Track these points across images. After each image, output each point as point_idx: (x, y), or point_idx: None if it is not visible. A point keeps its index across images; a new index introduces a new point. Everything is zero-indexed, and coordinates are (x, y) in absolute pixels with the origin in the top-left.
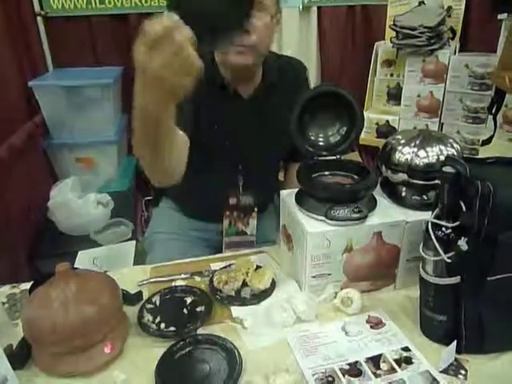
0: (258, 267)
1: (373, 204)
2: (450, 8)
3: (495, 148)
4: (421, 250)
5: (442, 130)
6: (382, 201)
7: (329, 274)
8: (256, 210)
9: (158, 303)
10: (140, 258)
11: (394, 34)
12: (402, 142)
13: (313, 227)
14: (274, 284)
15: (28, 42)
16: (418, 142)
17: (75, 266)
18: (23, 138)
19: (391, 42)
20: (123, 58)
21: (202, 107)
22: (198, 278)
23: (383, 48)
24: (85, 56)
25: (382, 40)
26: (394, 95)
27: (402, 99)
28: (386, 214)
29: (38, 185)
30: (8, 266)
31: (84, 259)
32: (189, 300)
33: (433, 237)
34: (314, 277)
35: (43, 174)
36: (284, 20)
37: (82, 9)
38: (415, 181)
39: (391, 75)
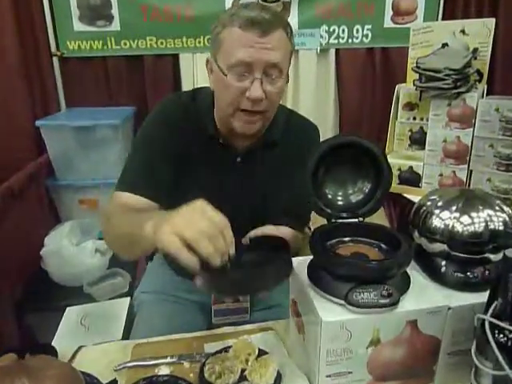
0: (260, 352)
1: (405, 284)
2: (476, 50)
3: None
4: (473, 356)
5: (470, 178)
6: (416, 277)
7: (349, 373)
8: None
9: None
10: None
11: (415, 76)
12: (440, 204)
13: (329, 314)
14: (279, 380)
15: (42, 82)
16: (460, 206)
17: (61, 324)
18: (23, 179)
19: (414, 84)
20: (136, 99)
21: (186, 160)
22: (186, 364)
23: (405, 91)
24: (98, 96)
25: (403, 83)
26: (417, 140)
27: (427, 144)
28: (423, 296)
29: (37, 228)
30: None
31: (71, 317)
32: None
33: (492, 342)
34: (329, 376)
35: (43, 217)
36: (301, 63)
37: (97, 50)
38: (458, 253)
39: (414, 119)
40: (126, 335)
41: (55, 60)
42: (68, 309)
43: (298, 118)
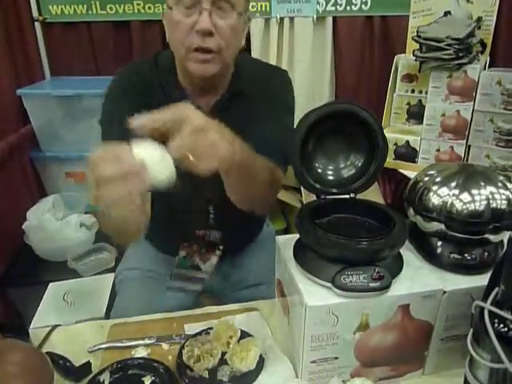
0: (243, 335)
1: (398, 265)
2: (479, 19)
3: None
4: (469, 346)
5: (468, 154)
6: (410, 257)
7: (335, 358)
8: (222, 248)
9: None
10: None
11: (416, 46)
12: (438, 179)
13: (315, 298)
14: (261, 364)
15: (25, 49)
16: (460, 182)
17: (43, 300)
18: (3, 151)
19: (414, 54)
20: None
21: None
22: (165, 346)
23: (404, 61)
24: (84, 64)
25: (403, 53)
26: (416, 113)
27: (425, 118)
28: (416, 279)
29: (21, 202)
30: None
31: (54, 293)
32: (147, 382)
33: (491, 333)
34: (314, 362)
35: (28, 190)
36: (296, 31)
37: (82, 14)
38: (455, 233)
39: (412, 91)
40: (109, 312)
41: (37, 25)
42: (51, 284)
43: (265, 66)
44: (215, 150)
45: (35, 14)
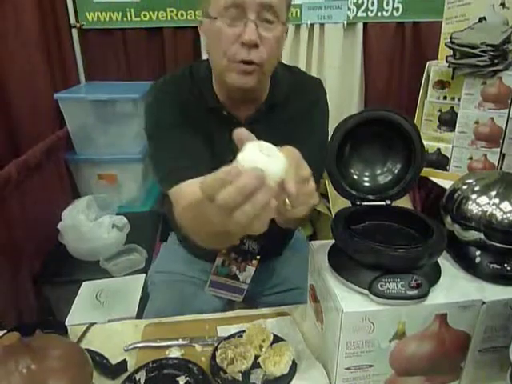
0: (275, 339)
1: (436, 274)
2: None
3: None
4: (511, 358)
5: (503, 162)
6: (447, 266)
7: (370, 366)
8: (258, 258)
9: (142, 382)
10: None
11: (448, 53)
12: (477, 188)
13: (351, 304)
14: (294, 368)
15: (62, 54)
16: (500, 191)
17: (77, 298)
18: (40, 152)
19: (447, 61)
20: (156, 72)
21: (194, 136)
22: (198, 347)
23: (436, 68)
24: (117, 69)
25: (434, 59)
26: (447, 121)
27: (457, 125)
28: (454, 288)
29: (56, 203)
30: (12, 289)
31: (87, 292)
32: (181, 382)
33: None
34: (348, 369)
35: (62, 191)
36: (327, 37)
37: (117, 21)
38: (495, 243)
39: (444, 98)
40: (141, 312)
41: (74, 32)
42: (84, 283)
43: (301, 75)
44: (311, 200)
45: (72, 20)
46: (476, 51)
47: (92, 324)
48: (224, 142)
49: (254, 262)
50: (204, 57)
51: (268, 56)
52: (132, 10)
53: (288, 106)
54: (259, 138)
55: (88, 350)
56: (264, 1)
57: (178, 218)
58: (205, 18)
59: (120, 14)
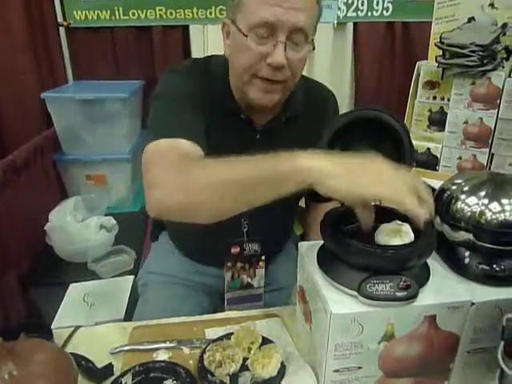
0: (264, 341)
1: (425, 275)
2: (505, 25)
3: None
4: (500, 359)
5: (491, 162)
6: (436, 267)
7: (358, 368)
8: (264, 258)
9: None
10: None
11: (438, 52)
12: (466, 188)
13: (340, 306)
14: (282, 371)
15: (49, 53)
16: (489, 191)
17: (64, 300)
18: (28, 152)
19: (436, 61)
20: (144, 72)
21: (209, 133)
22: (186, 350)
23: (426, 68)
24: (106, 68)
25: (424, 59)
26: (437, 121)
27: (447, 125)
28: (443, 289)
29: (43, 203)
30: None
31: (74, 293)
32: None
33: None
34: (337, 371)
35: (50, 192)
36: (317, 36)
37: (105, 20)
38: (484, 244)
39: (434, 98)
40: (129, 314)
41: (62, 31)
42: (71, 285)
43: (316, 87)
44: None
45: (60, 19)
46: (465, 51)
47: (78, 327)
48: (234, 144)
49: (261, 263)
50: (194, 55)
51: (292, 75)
52: (120, 9)
53: (303, 119)
54: (272, 149)
55: (73, 354)
56: (296, 25)
57: (181, 166)
58: (232, 25)
59: (108, 12)
